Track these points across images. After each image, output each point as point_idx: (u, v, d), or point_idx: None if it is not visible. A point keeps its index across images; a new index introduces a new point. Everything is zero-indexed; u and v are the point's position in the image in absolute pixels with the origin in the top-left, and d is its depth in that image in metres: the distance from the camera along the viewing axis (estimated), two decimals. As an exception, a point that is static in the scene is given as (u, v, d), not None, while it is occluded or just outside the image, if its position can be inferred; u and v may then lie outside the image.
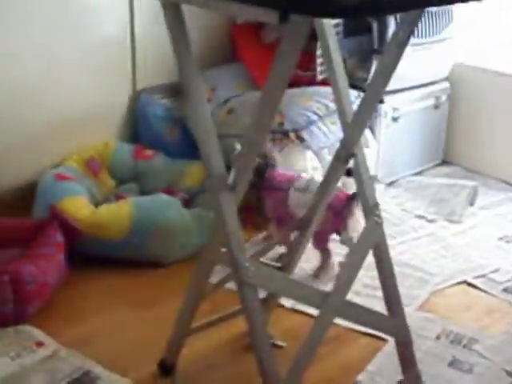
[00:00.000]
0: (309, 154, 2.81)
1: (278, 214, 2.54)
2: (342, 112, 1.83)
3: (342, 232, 2.37)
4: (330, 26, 1.79)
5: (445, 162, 3.45)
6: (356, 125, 1.78)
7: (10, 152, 2.84)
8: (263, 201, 2.56)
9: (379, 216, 1.81)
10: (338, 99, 1.83)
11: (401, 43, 1.64)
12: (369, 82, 2.85)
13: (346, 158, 1.79)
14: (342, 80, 1.82)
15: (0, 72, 2.73)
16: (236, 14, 1.48)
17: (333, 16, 1.34)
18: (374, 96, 1.74)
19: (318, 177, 2.73)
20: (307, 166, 2.78)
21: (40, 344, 2.11)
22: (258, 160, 2.45)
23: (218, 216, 1.63)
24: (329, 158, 2.83)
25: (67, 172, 2.77)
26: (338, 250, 2.47)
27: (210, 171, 1.60)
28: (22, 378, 1.98)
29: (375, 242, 1.81)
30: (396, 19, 2.86)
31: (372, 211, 1.80)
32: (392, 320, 1.88)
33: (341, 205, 2.36)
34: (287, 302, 2.30)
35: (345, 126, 1.83)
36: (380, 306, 2.04)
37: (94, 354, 2.07)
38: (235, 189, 1.61)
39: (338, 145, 2.74)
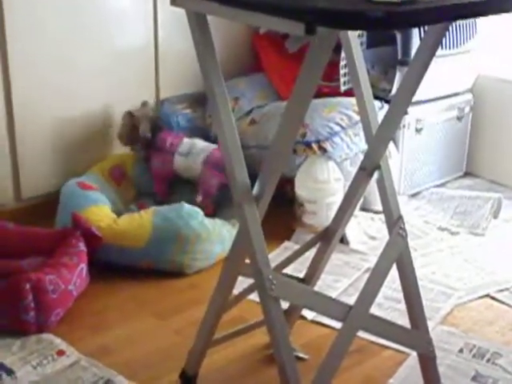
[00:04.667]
0: (331, 164, 2.80)
1: (162, 174, 2.90)
2: (366, 123, 1.82)
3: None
4: (355, 37, 1.79)
5: (468, 174, 3.43)
6: (381, 137, 1.77)
7: (33, 160, 2.85)
8: (150, 159, 2.92)
9: (403, 229, 1.80)
10: (363, 110, 1.83)
11: (427, 55, 1.64)
12: (394, 94, 2.85)
13: (370, 170, 1.79)
14: (367, 91, 1.81)
15: (23, 80, 2.74)
16: (262, 25, 1.48)
17: (359, 28, 1.35)
18: (399, 108, 1.74)
19: (339, 186, 2.76)
20: (329, 176, 2.78)
21: (61, 353, 2.11)
22: (145, 122, 2.89)
23: (242, 227, 1.62)
24: (351, 169, 2.83)
25: (90, 181, 2.78)
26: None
27: (234, 182, 1.60)
28: (43, 386, 1.99)
29: (399, 255, 1.80)
30: (420, 31, 2.86)
31: (396, 224, 1.80)
32: (415, 334, 1.87)
33: (220, 160, 2.69)
34: (309, 314, 2.29)
35: (369, 138, 1.83)
36: (402, 320, 2.04)
37: (115, 364, 2.07)
38: (259, 200, 1.60)
39: (360, 156, 2.81)
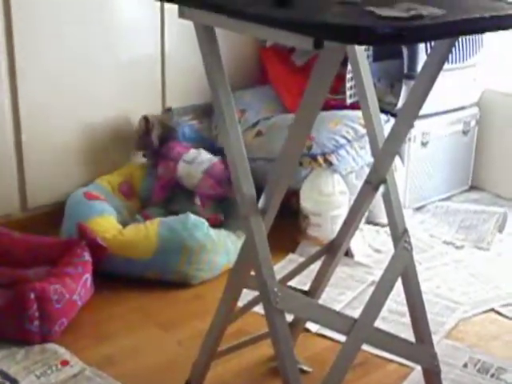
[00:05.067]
0: (336, 177, 2.80)
1: (165, 180, 2.92)
2: (372, 137, 1.83)
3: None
4: (362, 51, 1.79)
5: (473, 188, 3.43)
6: (387, 151, 1.77)
7: (40, 170, 2.86)
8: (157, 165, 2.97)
9: (409, 242, 1.80)
10: (369, 124, 1.83)
11: (434, 69, 1.64)
12: (400, 107, 2.86)
13: (376, 184, 1.79)
14: (373, 105, 1.82)
15: (31, 88, 2.75)
16: (270, 38, 1.49)
17: (367, 44, 1.35)
18: (406, 122, 1.74)
19: (344, 199, 2.77)
20: (335, 189, 2.78)
21: (65, 363, 2.11)
22: (161, 129, 2.96)
23: (248, 240, 1.63)
24: (356, 182, 2.83)
25: (96, 191, 2.78)
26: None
27: (241, 194, 1.60)
28: (46, 396, 1.99)
29: (404, 269, 1.80)
30: (426, 44, 2.87)
31: (401, 237, 1.80)
32: (420, 348, 1.86)
33: (220, 172, 2.80)
34: (313, 327, 2.29)
35: (375, 151, 1.83)
36: (407, 333, 2.03)
37: (119, 374, 2.07)
38: (265, 213, 1.61)
39: (366, 169, 2.81)
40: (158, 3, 2.99)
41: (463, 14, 1.33)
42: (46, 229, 2.71)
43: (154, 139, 2.94)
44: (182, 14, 1.57)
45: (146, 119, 2.95)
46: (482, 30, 1.53)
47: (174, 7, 1.57)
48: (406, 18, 1.26)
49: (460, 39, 3.06)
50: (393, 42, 1.37)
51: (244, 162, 1.60)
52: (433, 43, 1.72)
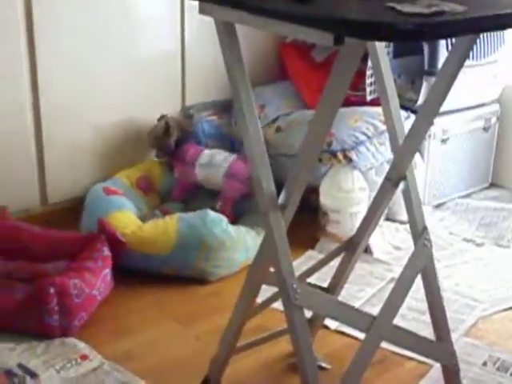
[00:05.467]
0: (356, 174, 2.79)
1: (185, 183, 2.94)
2: (392, 134, 1.82)
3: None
4: (382, 47, 1.79)
5: (493, 185, 3.41)
6: (407, 147, 1.77)
7: (60, 165, 2.87)
8: (174, 167, 2.98)
9: (428, 240, 1.80)
10: (389, 120, 1.82)
11: (455, 66, 1.63)
12: (421, 104, 2.84)
13: (396, 181, 1.78)
14: (394, 101, 1.81)
15: (48, 84, 2.76)
16: (291, 34, 1.49)
17: (389, 40, 1.35)
18: (426, 119, 1.73)
19: (364, 196, 2.76)
20: (354, 186, 2.77)
21: (85, 357, 2.12)
22: (176, 133, 2.95)
23: (268, 236, 1.63)
24: (376, 178, 2.82)
25: (115, 186, 2.79)
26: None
27: (261, 190, 1.60)
28: (66, 390, 2.00)
29: (424, 266, 1.80)
30: (447, 41, 2.85)
31: (421, 235, 1.79)
32: (439, 346, 1.86)
33: (241, 172, 2.80)
34: (332, 324, 2.28)
35: (395, 148, 1.82)
36: (426, 331, 2.03)
37: (138, 369, 2.07)
38: (285, 209, 1.61)
39: (385, 165, 2.80)
40: (179, -1, 3.01)
41: (485, 11, 1.32)
42: (66, 223, 2.72)
43: (171, 143, 2.94)
44: (202, 10, 1.56)
45: (166, 123, 2.95)
46: (504, 27, 1.51)
47: (194, 3, 1.57)
48: (427, 14, 1.26)
49: (481, 35, 3.04)
50: (414, 38, 1.36)
51: (264, 158, 1.60)
52: (454, 40, 1.72)
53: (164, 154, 2.99)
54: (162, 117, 2.99)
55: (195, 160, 2.91)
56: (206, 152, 2.94)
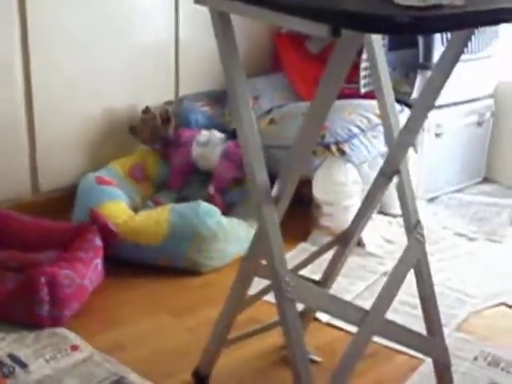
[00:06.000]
0: (349, 167, 2.79)
1: (180, 166, 2.92)
2: (387, 127, 1.81)
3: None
4: (378, 39, 1.78)
5: (486, 180, 3.41)
6: (402, 141, 1.76)
7: (52, 154, 2.86)
8: (170, 156, 2.96)
9: (422, 234, 1.79)
10: (384, 114, 1.82)
11: (451, 60, 1.62)
12: (416, 98, 2.84)
13: (390, 175, 1.78)
14: (389, 94, 1.80)
15: (42, 73, 2.75)
16: (287, 25, 1.47)
17: (386, 33, 1.34)
18: (421, 113, 1.72)
19: (357, 189, 2.76)
20: (347, 179, 2.77)
21: (75, 348, 2.11)
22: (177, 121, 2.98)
23: (261, 228, 1.62)
24: (369, 171, 2.82)
25: (108, 175, 2.78)
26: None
27: (254, 183, 1.59)
28: (55, 381, 1.98)
29: (416, 261, 1.79)
30: (442, 35, 2.84)
31: (414, 229, 1.79)
32: (431, 340, 1.86)
33: (237, 154, 2.75)
34: (323, 317, 2.28)
35: (390, 142, 1.82)
36: (418, 325, 2.02)
37: (128, 360, 2.06)
38: (278, 202, 1.60)
39: (379, 159, 2.80)
40: (173, -11, 2.99)
41: (484, 5, 1.31)
42: (57, 213, 2.71)
43: (170, 132, 2.94)
44: (197, 0, 1.55)
45: (166, 112, 2.93)
46: (502, 21, 1.50)
47: (189, -8, 1.56)
48: (424, 7, 1.25)
49: (475, 30, 3.04)
50: (411, 31, 1.36)
51: (258, 150, 1.59)
52: (450, 33, 1.71)
53: (162, 144, 2.97)
54: (148, 108, 2.96)
55: (193, 139, 2.92)
56: (205, 132, 2.95)
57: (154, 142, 2.98)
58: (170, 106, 3.01)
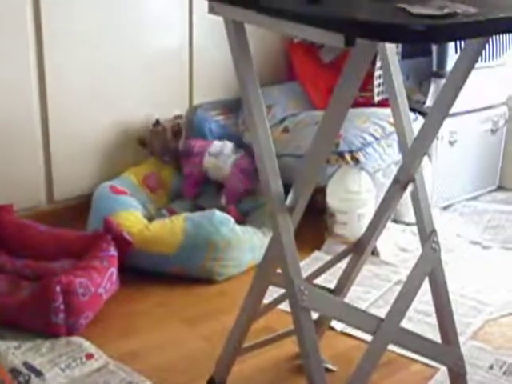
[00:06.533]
0: (363, 175, 2.79)
1: (193, 176, 2.92)
2: (401, 135, 1.81)
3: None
4: (392, 48, 1.78)
5: (501, 188, 3.40)
6: (416, 149, 1.76)
7: (67, 163, 2.87)
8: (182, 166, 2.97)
9: (437, 243, 1.79)
10: (398, 122, 1.82)
11: (466, 68, 1.62)
12: (431, 106, 2.83)
13: (404, 183, 1.78)
14: (403, 103, 1.80)
15: (57, 85, 2.77)
16: (301, 35, 1.48)
17: (400, 41, 1.34)
18: (435, 121, 1.72)
19: (371, 197, 2.75)
20: (361, 187, 2.77)
21: (90, 356, 2.12)
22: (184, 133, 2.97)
23: (275, 237, 1.62)
24: (383, 180, 2.82)
25: (122, 185, 2.79)
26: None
27: (269, 192, 1.59)
28: (71, 389, 1.99)
29: (431, 269, 1.79)
30: (456, 43, 2.84)
31: (429, 237, 1.78)
32: (446, 349, 1.85)
33: (249, 168, 2.79)
34: (338, 325, 2.28)
35: (404, 150, 1.82)
36: (432, 333, 2.02)
37: (143, 369, 2.07)
38: (293, 210, 1.60)
39: (393, 167, 2.80)
40: (187, -2, 3.00)
41: (498, 13, 1.31)
42: (72, 222, 2.73)
43: (181, 144, 2.94)
44: (211, 10, 1.56)
45: (178, 125, 2.94)
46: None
47: (203, 2, 1.57)
48: (439, 15, 1.25)
49: (489, 38, 3.03)
50: (426, 40, 1.36)
51: (272, 159, 1.60)
52: (464, 42, 1.71)
53: (172, 157, 2.98)
54: (158, 122, 2.98)
55: (205, 149, 2.92)
56: (217, 142, 2.96)
57: (164, 155, 2.98)
58: (179, 119, 3.02)
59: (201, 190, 2.95)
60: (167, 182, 2.96)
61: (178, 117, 3.03)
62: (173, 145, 2.95)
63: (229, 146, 2.94)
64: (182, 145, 2.95)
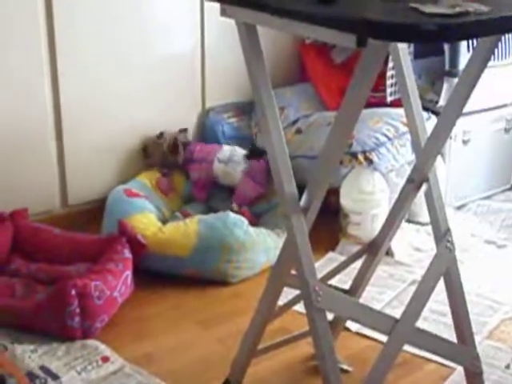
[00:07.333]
0: (377, 175, 2.78)
1: (201, 182, 2.91)
2: (414, 135, 1.81)
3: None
4: (404, 48, 1.78)
5: (514, 187, 3.39)
6: (429, 149, 1.76)
7: (81, 167, 2.88)
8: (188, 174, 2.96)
9: (451, 242, 1.78)
10: (411, 122, 1.81)
11: (478, 67, 1.62)
12: (444, 105, 2.82)
13: (418, 183, 1.77)
14: (416, 102, 1.80)
15: (70, 90, 2.78)
16: (313, 36, 1.48)
17: (412, 41, 1.34)
18: (449, 120, 1.72)
19: (384, 198, 2.75)
20: (375, 188, 2.76)
21: (106, 359, 2.12)
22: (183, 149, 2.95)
23: (290, 238, 1.62)
24: (397, 180, 2.81)
25: (136, 188, 2.80)
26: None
27: (282, 194, 1.59)
28: (87, 392, 2.00)
29: (446, 269, 1.78)
30: (468, 42, 2.83)
31: (444, 237, 1.78)
32: (462, 348, 1.84)
33: (260, 174, 2.81)
34: (353, 326, 2.27)
35: (417, 150, 1.81)
36: (448, 333, 2.01)
37: (158, 372, 2.07)
38: (307, 212, 1.60)
39: (406, 167, 2.79)
40: (198, 1, 3.00)
41: (510, 11, 1.30)
42: (87, 225, 2.74)
43: (180, 160, 2.95)
44: (223, 12, 1.56)
45: (175, 140, 2.94)
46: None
47: (214, 5, 1.57)
48: (451, 14, 1.25)
49: (502, 36, 3.02)
50: (438, 39, 1.36)
51: (286, 160, 1.60)
52: (476, 40, 1.70)
53: (170, 170, 2.97)
54: (161, 134, 2.98)
55: (214, 155, 2.91)
56: (226, 148, 2.95)
57: (163, 167, 2.97)
58: (184, 133, 3.01)
59: (212, 193, 2.95)
60: (179, 186, 2.97)
61: (183, 130, 3.02)
62: (171, 158, 2.95)
63: (239, 152, 2.93)
64: (183, 156, 2.94)
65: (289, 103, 3.15)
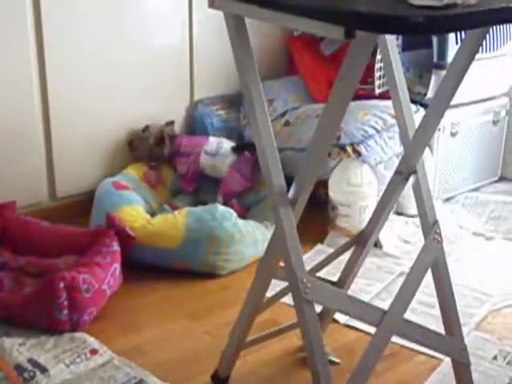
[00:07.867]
0: (365, 168, 2.79)
1: (188, 174, 2.91)
2: (402, 127, 1.81)
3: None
4: (393, 40, 1.78)
5: (502, 179, 3.40)
6: (417, 141, 1.76)
7: (69, 159, 2.88)
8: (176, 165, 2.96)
9: (439, 234, 1.79)
10: (399, 114, 1.81)
11: (466, 59, 1.62)
12: (432, 98, 2.83)
13: (406, 175, 1.78)
14: (404, 95, 1.80)
15: (59, 81, 2.77)
16: (301, 28, 1.48)
17: (400, 33, 1.34)
18: (437, 112, 1.72)
19: (373, 190, 2.75)
20: (363, 180, 2.77)
21: (94, 352, 2.12)
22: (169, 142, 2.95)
23: (278, 230, 1.62)
24: (385, 172, 2.82)
25: (125, 180, 2.80)
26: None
27: (271, 185, 1.60)
28: (75, 385, 2.00)
29: (434, 261, 1.79)
30: (456, 34, 2.84)
31: (432, 229, 1.78)
32: (450, 340, 1.85)
33: (246, 168, 2.79)
34: (341, 318, 2.28)
35: (405, 142, 1.81)
36: (436, 325, 2.02)
37: (147, 364, 2.07)
38: (295, 204, 1.60)
39: (394, 159, 2.80)
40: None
41: (498, 3, 1.31)
42: (75, 218, 2.73)
43: (165, 152, 2.95)
44: (211, 4, 1.56)
45: (161, 133, 2.94)
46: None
47: (202, -3, 1.57)
48: (439, 6, 1.25)
49: (490, 28, 3.02)
50: (426, 31, 1.36)
51: (274, 153, 1.60)
52: (464, 33, 1.71)
53: (157, 163, 2.97)
54: (147, 127, 2.98)
55: (201, 147, 2.91)
56: (213, 139, 2.94)
57: (150, 160, 2.96)
58: (170, 125, 3.01)
59: (200, 186, 2.95)
60: (167, 179, 2.97)
61: (170, 123, 3.02)
62: (157, 151, 2.94)
63: (226, 144, 2.92)
64: (169, 148, 2.94)
65: (277, 95, 3.15)
